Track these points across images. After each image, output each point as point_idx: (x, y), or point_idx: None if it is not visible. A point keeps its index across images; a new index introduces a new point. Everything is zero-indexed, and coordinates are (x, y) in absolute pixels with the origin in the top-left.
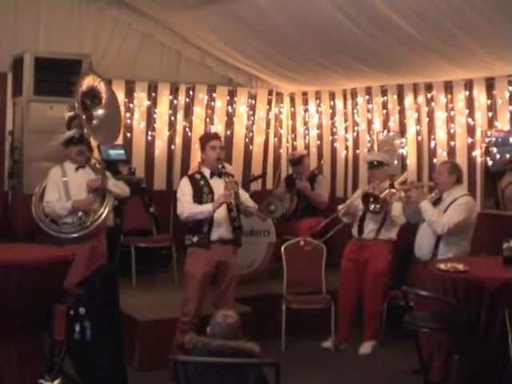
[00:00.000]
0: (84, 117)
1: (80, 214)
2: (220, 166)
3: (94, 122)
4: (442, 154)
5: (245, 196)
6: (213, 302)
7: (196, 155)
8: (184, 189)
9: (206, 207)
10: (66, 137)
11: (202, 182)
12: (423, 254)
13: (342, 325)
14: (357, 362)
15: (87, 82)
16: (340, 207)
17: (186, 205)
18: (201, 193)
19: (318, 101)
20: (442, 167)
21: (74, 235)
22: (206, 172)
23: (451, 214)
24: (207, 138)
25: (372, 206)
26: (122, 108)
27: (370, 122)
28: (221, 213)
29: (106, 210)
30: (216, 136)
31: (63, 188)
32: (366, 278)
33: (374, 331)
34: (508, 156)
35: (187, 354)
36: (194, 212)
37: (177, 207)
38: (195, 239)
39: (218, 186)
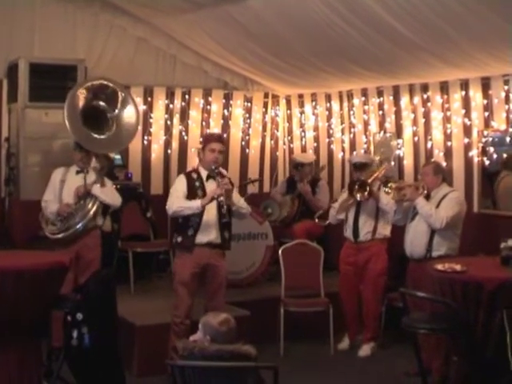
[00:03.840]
0: (86, 129)
1: (60, 217)
2: (213, 168)
3: (113, 127)
4: (438, 155)
5: (238, 198)
6: (204, 307)
7: (192, 159)
8: (178, 185)
9: (195, 202)
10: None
11: (197, 183)
12: (416, 252)
13: (351, 324)
14: (356, 365)
15: (82, 92)
16: (331, 211)
17: (175, 200)
18: (194, 194)
19: (314, 103)
20: (426, 169)
21: (57, 236)
22: (203, 173)
23: (446, 207)
24: (209, 139)
25: (359, 195)
26: None
27: (366, 124)
28: (210, 216)
29: (90, 213)
30: (218, 139)
31: (58, 188)
32: (365, 279)
33: (373, 333)
34: (505, 156)
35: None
36: (182, 207)
37: (166, 202)
38: (179, 239)
39: (212, 188)
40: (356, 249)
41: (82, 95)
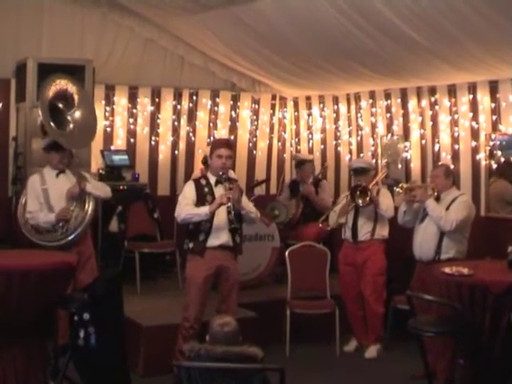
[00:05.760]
0: (52, 124)
1: (61, 222)
2: (221, 173)
3: (70, 126)
4: (445, 158)
5: (247, 202)
6: (216, 309)
7: (199, 160)
8: (186, 192)
9: (203, 209)
10: (48, 142)
11: (206, 189)
12: (425, 254)
13: (357, 327)
14: (362, 367)
15: (55, 86)
16: (332, 214)
17: (184, 207)
18: (204, 200)
19: (321, 105)
20: (437, 171)
21: (60, 243)
22: (212, 179)
23: (456, 210)
24: (216, 145)
25: (360, 200)
26: (125, 114)
27: (373, 126)
28: (221, 220)
29: (88, 213)
30: (225, 144)
31: (43, 196)
32: (364, 279)
33: (378, 334)
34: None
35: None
36: (191, 214)
37: (175, 210)
38: (191, 245)
39: (221, 194)
40: (354, 249)
41: (48, 95)
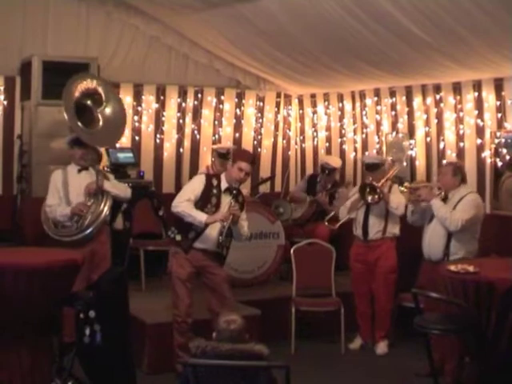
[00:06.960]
0: (80, 123)
1: (76, 217)
2: (234, 185)
3: (100, 123)
4: (450, 156)
5: (244, 222)
6: (207, 306)
7: (204, 158)
8: (195, 185)
9: (201, 217)
10: (71, 137)
11: (214, 191)
12: (434, 254)
13: (364, 325)
14: (367, 365)
15: (82, 86)
16: (342, 209)
17: (184, 202)
18: (207, 201)
19: (326, 103)
20: (445, 169)
21: (74, 238)
22: (223, 183)
23: (462, 210)
24: (241, 157)
25: (370, 197)
26: (130, 111)
27: (378, 124)
28: (213, 231)
29: (104, 210)
30: (250, 160)
31: (63, 191)
32: (376, 276)
33: (387, 330)
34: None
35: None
36: (188, 213)
37: (176, 197)
38: (178, 238)
39: (226, 203)
40: (366, 247)
41: (75, 92)
